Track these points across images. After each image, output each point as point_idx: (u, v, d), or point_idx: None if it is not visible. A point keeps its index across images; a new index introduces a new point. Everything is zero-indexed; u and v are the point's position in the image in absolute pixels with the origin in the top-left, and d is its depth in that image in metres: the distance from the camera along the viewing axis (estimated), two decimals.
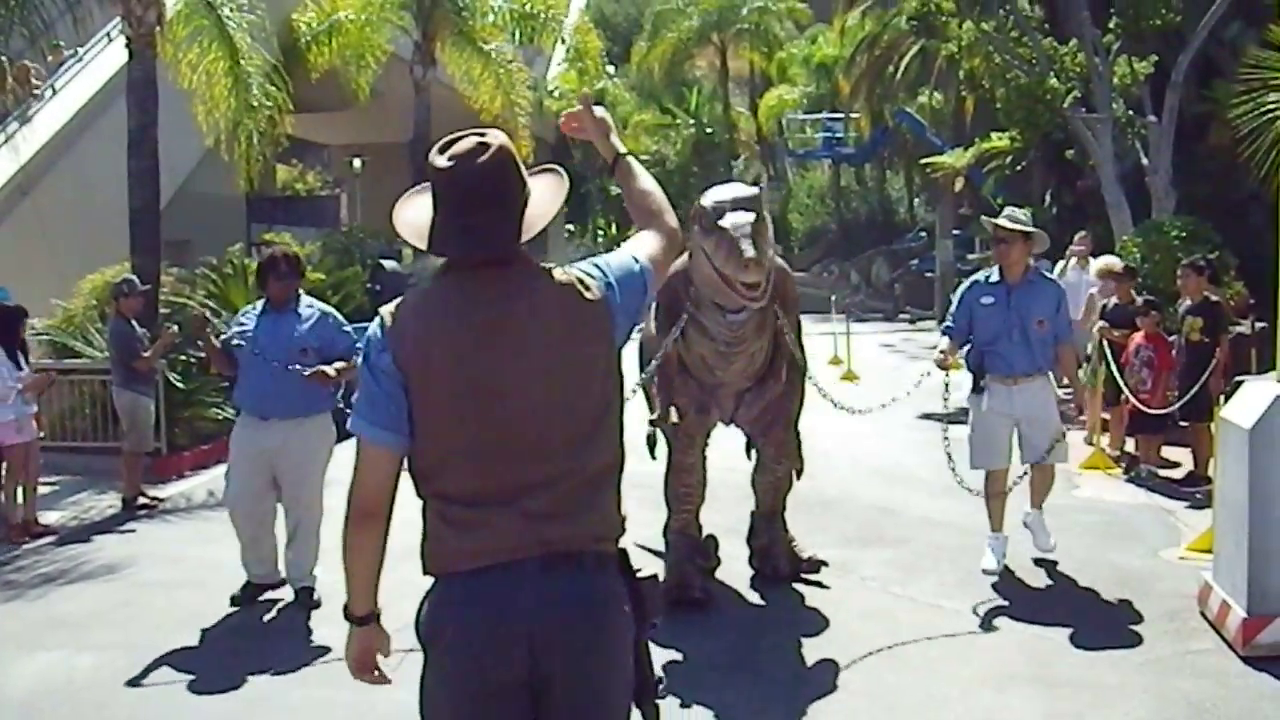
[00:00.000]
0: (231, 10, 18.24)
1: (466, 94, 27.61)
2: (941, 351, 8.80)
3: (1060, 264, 17.31)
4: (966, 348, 9.11)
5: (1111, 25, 19.80)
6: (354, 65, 26.54)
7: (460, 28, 27.18)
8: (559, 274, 3.18)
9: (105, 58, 24.09)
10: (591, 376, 3.14)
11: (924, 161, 36.28)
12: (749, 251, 6.86)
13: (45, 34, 16.98)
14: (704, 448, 8.56)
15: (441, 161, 3.10)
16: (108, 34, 23.07)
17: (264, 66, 19.07)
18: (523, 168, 3.18)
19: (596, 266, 3.29)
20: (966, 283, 9.49)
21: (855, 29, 42.85)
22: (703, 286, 7.52)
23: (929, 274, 39.40)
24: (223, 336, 8.73)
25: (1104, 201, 20.26)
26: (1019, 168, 27.42)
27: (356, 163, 39.25)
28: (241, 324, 8.51)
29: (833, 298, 33.18)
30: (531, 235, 3.13)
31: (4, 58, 17.90)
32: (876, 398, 10.17)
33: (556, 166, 3.36)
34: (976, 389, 9.05)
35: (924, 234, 43.79)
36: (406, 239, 3.20)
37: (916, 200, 50.15)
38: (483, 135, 3.14)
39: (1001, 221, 9.00)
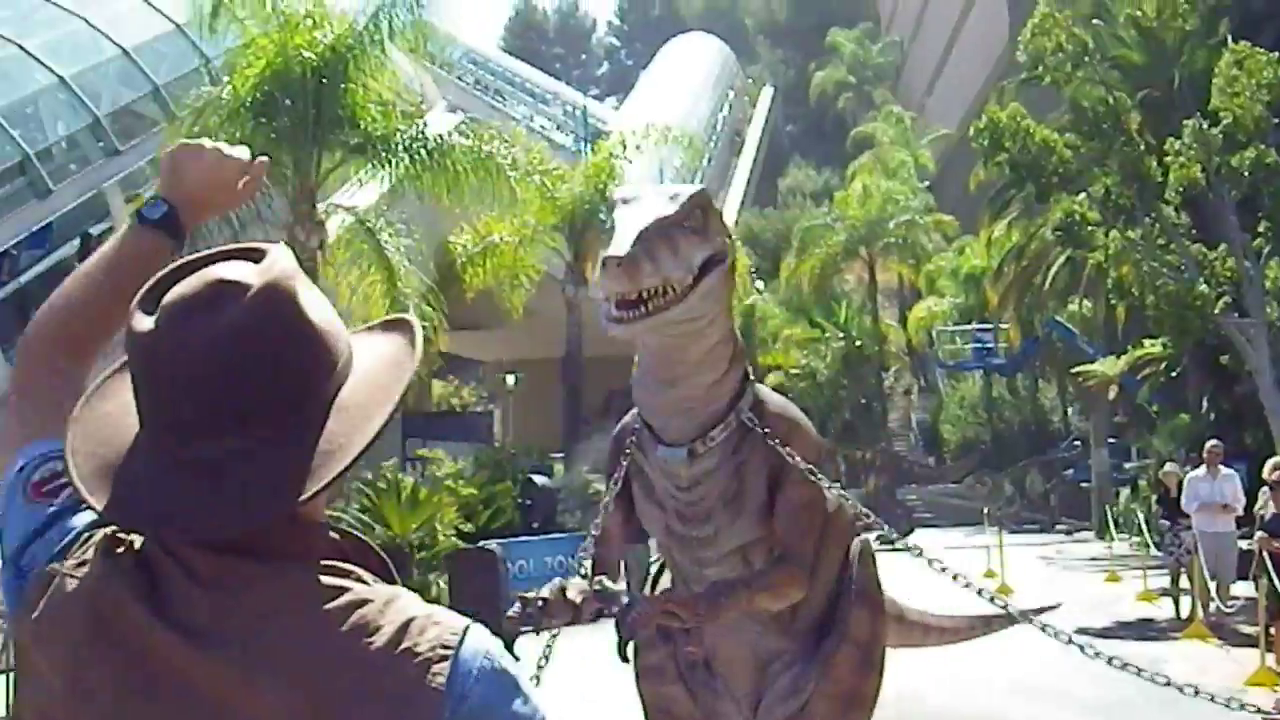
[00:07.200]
0: (390, 235, 18.95)
1: None
2: None
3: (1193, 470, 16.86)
4: None
5: (1260, 229, 19.67)
6: (507, 284, 27.27)
7: None
8: (379, 597, 1.52)
9: None
10: None
11: (1076, 370, 35.96)
12: (617, 248, 3.74)
13: None
14: None
15: (141, 321, 1.54)
16: None
17: (420, 287, 19.70)
18: (332, 328, 1.59)
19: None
20: None
21: (1002, 239, 42.94)
22: (636, 389, 4.46)
23: (1084, 484, 38.71)
24: None
25: (1262, 407, 19.87)
26: (1173, 374, 27.06)
27: (510, 379, 39.97)
28: None
29: (985, 509, 32.69)
30: (323, 485, 1.52)
31: None
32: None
33: (406, 319, 1.79)
34: None
35: (1078, 443, 43.14)
36: (73, 478, 1.54)
37: (1070, 409, 49.54)
38: (242, 258, 1.60)
39: None
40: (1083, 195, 21.41)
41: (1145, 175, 20.23)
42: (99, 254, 1.95)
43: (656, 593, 4.87)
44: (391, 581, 1.58)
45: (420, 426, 34.79)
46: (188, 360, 1.49)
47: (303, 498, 1.49)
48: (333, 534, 1.61)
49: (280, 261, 1.57)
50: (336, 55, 17.83)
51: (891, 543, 5.39)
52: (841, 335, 52.73)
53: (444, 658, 1.47)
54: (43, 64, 26.43)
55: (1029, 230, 38.62)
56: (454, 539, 18.59)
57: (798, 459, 4.26)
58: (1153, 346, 27.00)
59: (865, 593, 4.82)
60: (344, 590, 1.50)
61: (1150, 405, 33.54)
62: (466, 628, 1.52)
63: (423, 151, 18.55)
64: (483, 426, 42.42)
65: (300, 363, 1.54)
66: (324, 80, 17.68)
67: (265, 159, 2.18)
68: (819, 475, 4.36)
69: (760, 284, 52.68)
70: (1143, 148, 20.46)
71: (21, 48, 26.21)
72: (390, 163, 18.64)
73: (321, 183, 18.23)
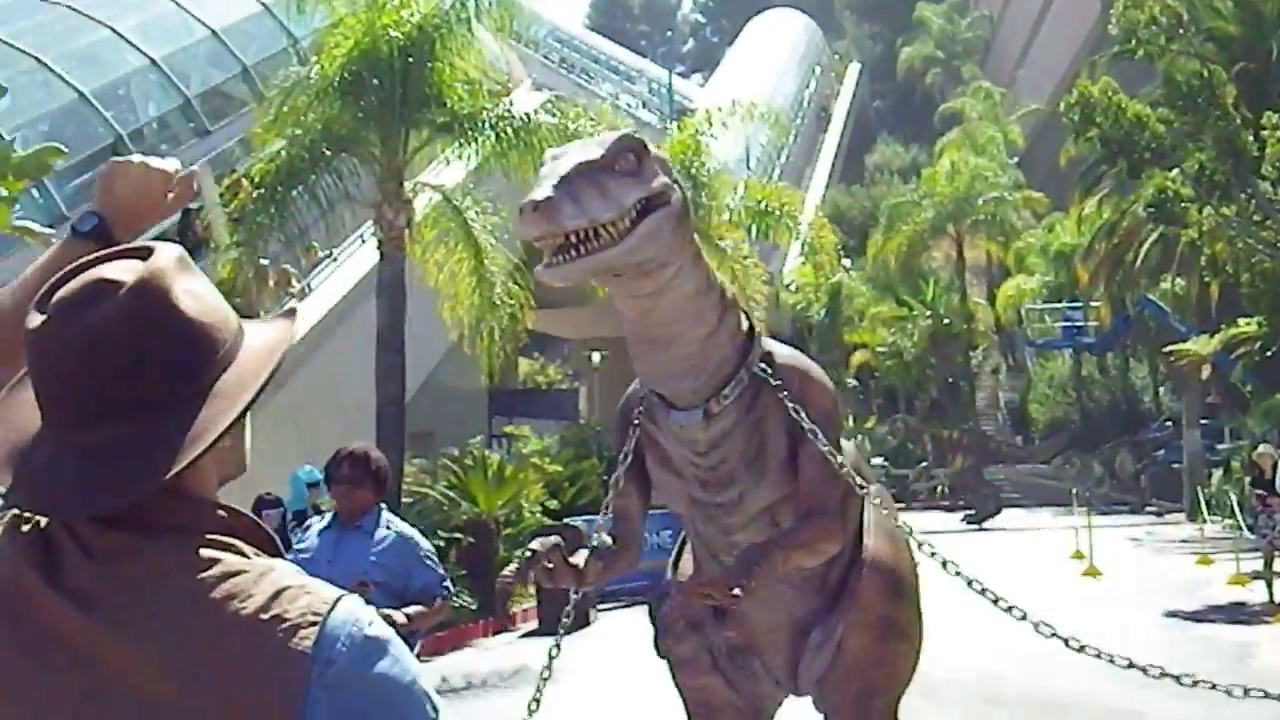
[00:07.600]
0: (477, 213, 19.02)
1: None
2: None
3: None
4: None
5: None
6: None
7: (696, 225, 27.78)
8: (254, 569, 1.60)
9: (357, 258, 25.34)
10: None
11: (1168, 349, 35.48)
12: (537, 193, 3.48)
13: (300, 239, 18.07)
14: None
15: (33, 319, 1.66)
16: (360, 236, 24.30)
17: (506, 265, 19.76)
18: (211, 319, 1.70)
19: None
20: None
21: (1093, 216, 42.40)
22: (634, 362, 4.25)
23: (1176, 465, 38.18)
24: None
25: None
26: (1268, 353, 26.61)
27: (595, 356, 40.07)
28: (301, 548, 6.58)
29: (1074, 490, 32.37)
30: (186, 463, 1.58)
31: (265, 261, 19.00)
32: (1121, 595, 9.71)
33: (294, 309, 2.01)
34: None
35: (1170, 424, 42.56)
36: None
37: (1161, 389, 48.88)
38: (132, 256, 1.71)
39: None
40: (1176, 171, 21.11)
41: (1241, 150, 19.89)
42: (36, 264, 2.15)
43: (677, 575, 4.85)
44: (277, 557, 1.67)
45: (506, 404, 35.11)
46: (66, 355, 1.60)
47: (168, 475, 1.57)
48: (221, 511, 1.68)
49: (160, 259, 1.67)
50: (423, 34, 17.88)
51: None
52: (929, 313, 52.32)
53: (312, 624, 1.54)
54: (134, 46, 26.85)
55: (1120, 207, 38.14)
56: (540, 516, 18.71)
57: (803, 416, 4.04)
58: (1247, 325, 26.58)
59: (882, 526, 4.63)
60: (219, 561, 1.58)
61: (1244, 385, 33.04)
62: (339, 598, 1.59)
63: (509, 130, 18.56)
64: (568, 404, 42.64)
65: (170, 355, 1.63)
66: (411, 59, 17.74)
67: (195, 169, 2.32)
68: (824, 434, 4.09)
69: (847, 261, 52.36)
70: (1239, 122, 20.11)
71: (114, 30, 26.63)
72: (477, 141, 18.67)
73: (408, 161, 18.36)
